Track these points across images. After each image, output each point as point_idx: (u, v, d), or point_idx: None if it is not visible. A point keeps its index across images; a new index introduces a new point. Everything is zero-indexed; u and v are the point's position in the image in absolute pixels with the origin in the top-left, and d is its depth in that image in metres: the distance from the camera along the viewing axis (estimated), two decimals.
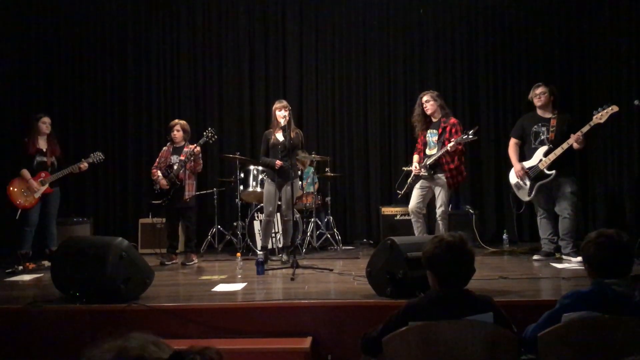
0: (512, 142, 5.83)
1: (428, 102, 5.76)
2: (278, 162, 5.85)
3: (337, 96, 8.04)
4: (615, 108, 5.17)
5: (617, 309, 2.20)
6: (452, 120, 5.75)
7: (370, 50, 8.01)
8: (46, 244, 6.16)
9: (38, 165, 6.07)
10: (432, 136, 5.76)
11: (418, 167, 5.76)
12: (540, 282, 4.54)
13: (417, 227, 5.78)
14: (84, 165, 6.18)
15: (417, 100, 5.92)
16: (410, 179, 5.94)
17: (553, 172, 5.41)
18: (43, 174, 6.04)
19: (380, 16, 7.98)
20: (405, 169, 6.24)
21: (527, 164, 5.60)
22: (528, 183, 5.57)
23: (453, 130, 5.64)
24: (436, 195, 5.74)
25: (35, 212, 6.04)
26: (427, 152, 5.78)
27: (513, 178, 5.75)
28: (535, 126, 5.62)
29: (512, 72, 7.83)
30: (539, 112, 5.67)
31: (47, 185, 6.04)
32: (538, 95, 5.61)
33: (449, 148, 5.49)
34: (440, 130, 5.69)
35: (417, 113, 5.87)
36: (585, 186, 7.14)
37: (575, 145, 5.32)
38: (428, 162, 5.67)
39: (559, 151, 5.35)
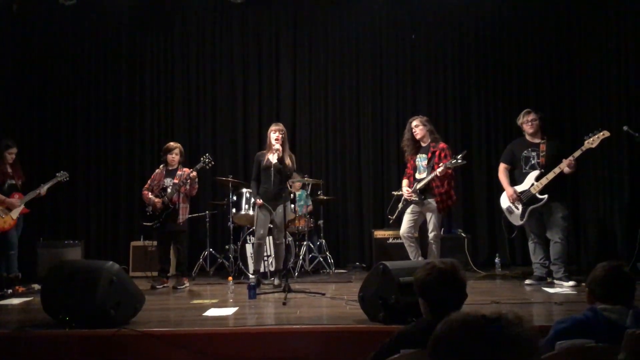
0: (502, 167, 5.87)
1: (417, 127, 5.81)
2: (258, 202, 5.90)
3: (330, 120, 8.09)
4: (606, 133, 5.24)
5: (610, 335, 2.20)
6: (442, 144, 5.79)
7: (363, 75, 8.09)
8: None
9: (10, 188, 6.07)
10: (421, 160, 5.80)
11: (409, 191, 5.78)
12: (532, 307, 4.54)
13: (411, 252, 5.78)
14: (43, 190, 6.18)
15: (407, 125, 5.97)
16: (401, 203, 5.95)
17: (545, 196, 5.44)
18: (17, 195, 6.04)
19: (372, 41, 8.07)
20: (395, 193, 6.24)
21: (519, 188, 5.63)
22: (520, 207, 5.59)
23: (442, 155, 5.68)
24: (427, 220, 5.77)
25: (15, 234, 6.00)
26: (417, 176, 5.81)
27: (505, 202, 5.77)
28: (525, 151, 5.67)
29: (503, 97, 7.92)
30: (528, 137, 5.73)
31: (22, 206, 6.03)
32: (530, 122, 5.66)
33: (438, 172, 5.52)
34: (429, 155, 5.74)
35: (406, 138, 5.92)
36: (576, 211, 7.18)
37: (567, 170, 5.36)
38: (418, 187, 5.70)
39: (550, 175, 5.39)
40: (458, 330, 1.14)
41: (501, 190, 5.92)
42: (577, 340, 2.21)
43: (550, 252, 5.60)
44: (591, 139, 5.26)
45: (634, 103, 6.36)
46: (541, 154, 5.57)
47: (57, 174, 6.37)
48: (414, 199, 5.75)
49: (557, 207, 5.51)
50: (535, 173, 5.53)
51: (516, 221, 5.69)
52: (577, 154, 5.31)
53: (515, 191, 5.63)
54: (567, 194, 6.17)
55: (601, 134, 5.24)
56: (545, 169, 5.47)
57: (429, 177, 5.62)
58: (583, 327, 2.27)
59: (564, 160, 5.35)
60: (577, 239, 7.23)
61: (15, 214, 5.95)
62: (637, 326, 2.21)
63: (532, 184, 5.51)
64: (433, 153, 5.72)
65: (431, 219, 5.72)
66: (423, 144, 5.86)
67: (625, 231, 6.39)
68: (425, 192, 5.71)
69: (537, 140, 5.68)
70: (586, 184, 7.22)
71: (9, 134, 7.52)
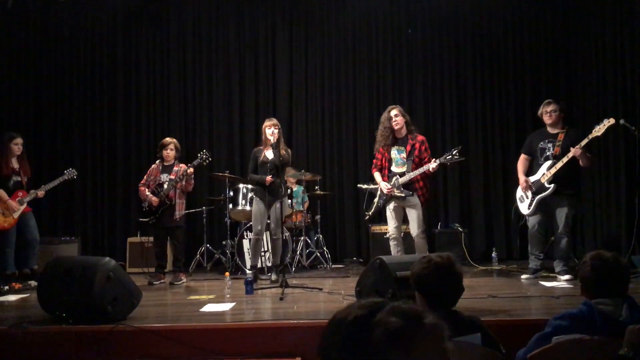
0: (522, 157, 5.83)
1: (397, 117, 5.55)
2: (268, 179, 5.80)
3: (326, 115, 8.08)
4: (612, 120, 5.19)
5: (606, 329, 2.20)
6: (420, 137, 5.64)
7: (359, 70, 8.08)
8: (27, 263, 6.07)
9: (15, 185, 6.05)
10: (399, 153, 5.58)
11: (390, 187, 5.53)
12: (529, 300, 4.54)
13: (398, 250, 5.62)
14: (41, 193, 6.15)
15: (384, 114, 5.66)
16: (378, 199, 5.71)
17: (552, 185, 5.41)
18: (20, 193, 6.03)
19: (368, 36, 8.06)
20: (364, 187, 5.97)
21: (532, 178, 5.61)
22: (529, 196, 5.59)
23: (423, 148, 5.54)
24: (411, 216, 5.52)
25: (14, 233, 5.99)
26: (395, 169, 5.57)
27: (519, 192, 5.76)
28: (542, 142, 5.63)
29: (499, 91, 7.92)
30: (548, 128, 5.67)
31: (25, 204, 6.02)
32: (549, 113, 5.61)
33: (431, 169, 5.34)
34: (409, 147, 5.54)
35: (385, 127, 5.59)
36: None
37: (582, 162, 5.33)
38: (401, 181, 5.47)
39: (559, 165, 5.37)
40: (339, 322, 1.02)
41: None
42: (573, 335, 2.21)
43: (554, 246, 5.61)
44: (598, 127, 5.22)
45: (630, 97, 6.36)
46: (557, 144, 5.50)
47: (65, 172, 6.32)
48: (398, 194, 5.50)
49: (565, 200, 5.46)
50: (548, 163, 5.48)
51: (524, 210, 5.67)
52: (584, 142, 5.25)
53: (526, 180, 5.60)
54: (579, 190, 5.92)
55: (607, 121, 5.20)
56: (558, 159, 5.42)
57: (420, 171, 5.41)
58: (579, 322, 2.27)
59: (571, 149, 5.31)
60: (573, 233, 7.24)
61: (16, 213, 5.95)
62: (632, 317, 2.21)
63: (543, 174, 5.49)
64: (413, 146, 5.53)
65: (417, 215, 5.49)
66: (399, 136, 5.60)
67: (622, 225, 6.40)
68: (407, 186, 5.50)
69: (556, 131, 5.60)
70: (583, 178, 7.21)
71: (4, 130, 7.52)
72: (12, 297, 5.25)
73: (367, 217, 5.93)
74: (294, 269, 6.67)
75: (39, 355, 3.58)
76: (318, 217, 7.35)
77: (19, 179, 6.08)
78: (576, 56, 7.56)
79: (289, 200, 6.62)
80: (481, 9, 7.97)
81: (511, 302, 4.33)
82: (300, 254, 6.98)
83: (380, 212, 5.81)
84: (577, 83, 7.56)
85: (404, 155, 5.56)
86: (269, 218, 6.00)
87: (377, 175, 5.71)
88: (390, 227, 5.66)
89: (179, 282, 5.91)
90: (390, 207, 5.61)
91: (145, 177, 6.19)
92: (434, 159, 5.42)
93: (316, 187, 7.29)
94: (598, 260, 2.37)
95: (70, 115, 7.94)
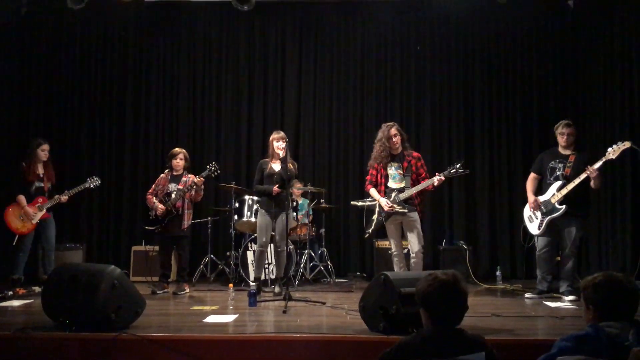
0: (532, 176, 5.82)
1: (396, 136, 5.55)
2: (275, 189, 5.81)
3: (333, 129, 8.10)
4: (627, 144, 5.16)
5: (611, 352, 2.18)
6: (416, 154, 5.65)
7: (368, 85, 8.10)
8: (44, 270, 6.16)
9: (36, 191, 6.17)
10: (396, 169, 5.56)
11: (389, 204, 5.46)
12: (533, 320, 4.53)
13: (401, 267, 5.60)
14: (64, 198, 6.25)
15: (384, 132, 5.61)
16: (377, 215, 5.64)
17: (563, 207, 5.39)
18: (40, 199, 6.13)
19: (377, 51, 8.09)
20: (359, 204, 5.92)
21: (541, 198, 5.59)
22: (539, 217, 5.57)
23: (419, 164, 5.55)
24: (412, 232, 5.47)
25: (30, 238, 6.08)
26: (393, 185, 5.53)
27: (527, 211, 5.74)
28: (552, 162, 5.62)
29: (507, 110, 7.92)
30: (560, 148, 5.68)
31: (44, 211, 6.09)
32: (565, 135, 5.60)
33: (435, 183, 5.32)
34: (405, 164, 5.52)
35: (387, 146, 5.56)
36: None
37: (593, 184, 5.31)
38: (402, 196, 5.43)
39: (570, 185, 5.35)
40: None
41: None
42: (577, 357, 2.20)
43: (559, 266, 5.58)
44: (612, 150, 5.19)
45: (637, 119, 6.34)
46: (568, 165, 5.50)
47: (88, 179, 6.42)
48: (400, 210, 5.44)
49: (575, 222, 5.45)
50: (558, 184, 5.47)
51: (534, 230, 5.63)
52: (597, 164, 5.24)
53: (536, 200, 5.58)
54: (588, 212, 5.87)
55: (622, 144, 5.16)
56: (569, 180, 5.40)
57: (423, 186, 5.39)
58: (585, 344, 2.25)
59: (587, 167, 5.26)
60: (579, 255, 7.20)
61: (35, 219, 6.04)
62: (639, 343, 2.19)
63: (553, 194, 5.48)
64: (409, 162, 5.52)
65: (417, 231, 5.46)
66: (395, 152, 5.60)
67: (627, 248, 6.36)
68: (406, 201, 5.46)
69: (568, 152, 5.60)
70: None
71: (14, 136, 7.60)
72: (16, 303, 5.26)
73: (367, 235, 5.86)
74: (297, 282, 6.66)
75: None
76: (322, 230, 7.34)
77: (42, 184, 6.21)
78: (584, 78, 7.56)
79: (294, 213, 6.63)
80: (489, 29, 8.00)
81: (515, 321, 4.31)
82: (304, 267, 6.97)
83: (380, 229, 5.73)
84: (584, 105, 7.55)
85: (401, 171, 5.55)
86: (273, 230, 6.00)
87: (373, 192, 5.66)
88: (394, 246, 5.65)
89: (182, 292, 5.92)
90: (390, 224, 5.58)
91: (153, 186, 6.22)
92: (437, 173, 5.40)
93: (321, 201, 7.30)
94: (609, 281, 2.34)
95: (79, 122, 7.99)
